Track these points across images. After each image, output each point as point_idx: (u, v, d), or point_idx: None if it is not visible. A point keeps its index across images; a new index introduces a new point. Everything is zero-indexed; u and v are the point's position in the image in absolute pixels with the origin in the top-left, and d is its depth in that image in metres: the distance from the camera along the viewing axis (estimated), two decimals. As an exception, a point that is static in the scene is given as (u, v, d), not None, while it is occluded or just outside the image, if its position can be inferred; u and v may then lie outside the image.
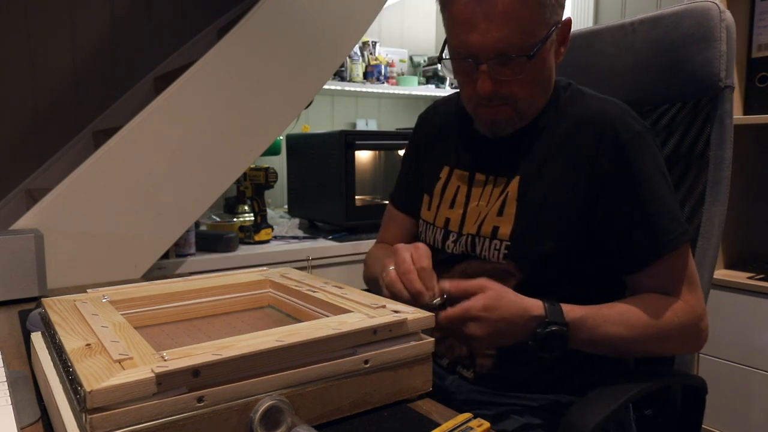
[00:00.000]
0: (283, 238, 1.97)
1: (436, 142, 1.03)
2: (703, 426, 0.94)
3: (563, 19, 0.87)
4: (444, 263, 0.97)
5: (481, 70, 0.83)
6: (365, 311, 0.69)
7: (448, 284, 0.76)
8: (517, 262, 0.88)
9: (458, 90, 0.96)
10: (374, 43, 2.73)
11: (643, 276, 0.84)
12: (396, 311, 0.69)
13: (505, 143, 0.92)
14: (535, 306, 0.78)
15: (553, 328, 0.76)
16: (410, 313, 0.68)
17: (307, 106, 1.99)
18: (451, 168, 1.00)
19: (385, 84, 2.68)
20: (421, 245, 0.80)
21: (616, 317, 0.80)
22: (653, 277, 0.84)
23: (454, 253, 0.95)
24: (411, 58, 2.92)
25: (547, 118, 0.91)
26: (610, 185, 0.84)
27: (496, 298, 0.76)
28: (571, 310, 0.79)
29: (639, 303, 0.82)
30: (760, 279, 1.75)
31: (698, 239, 0.97)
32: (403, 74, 2.83)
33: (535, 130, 0.91)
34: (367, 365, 0.63)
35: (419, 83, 2.80)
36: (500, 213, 0.90)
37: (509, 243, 0.88)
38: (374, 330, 0.64)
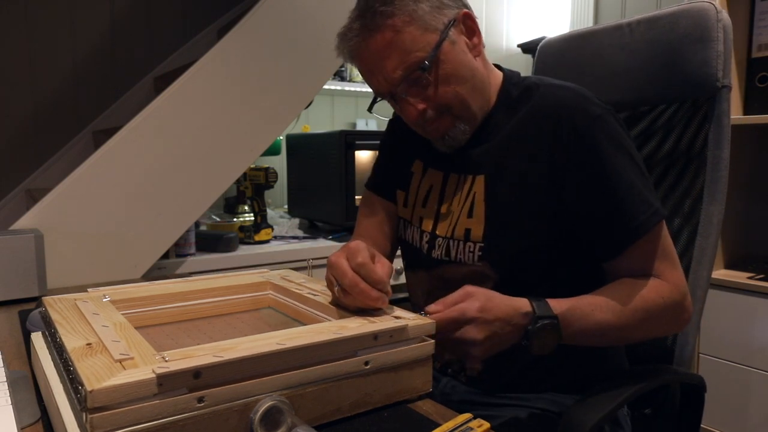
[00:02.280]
0: (283, 238, 1.97)
1: (410, 135, 0.99)
2: (702, 425, 0.94)
3: (461, 12, 0.87)
4: (422, 268, 0.97)
5: (399, 101, 0.88)
6: (366, 316, 0.69)
7: (434, 307, 0.75)
8: (492, 263, 0.87)
9: None
10: (374, 43, 2.72)
11: (620, 261, 0.83)
12: (397, 317, 0.69)
13: (466, 143, 0.92)
14: (522, 303, 0.77)
15: (545, 322, 0.75)
16: (411, 319, 0.68)
17: (307, 106, 1.99)
18: (425, 165, 0.99)
19: (385, 84, 2.68)
20: (352, 245, 0.75)
21: (603, 304, 0.80)
22: (631, 261, 0.83)
23: (432, 256, 0.94)
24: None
25: (501, 114, 0.91)
26: (573, 174, 0.83)
27: (488, 299, 0.75)
28: (557, 303, 0.78)
29: (623, 287, 0.82)
30: (760, 279, 1.76)
31: (696, 238, 0.97)
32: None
33: (492, 128, 0.91)
34: (368, 366, 0.63)
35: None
36: (470, 215, 0.89)
37: (482, 245, 0.87)
38: (375, 335, 0.64)
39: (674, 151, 1.02)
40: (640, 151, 1.06)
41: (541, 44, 1.24)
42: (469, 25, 0.88)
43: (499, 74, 0.95)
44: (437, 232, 0.94)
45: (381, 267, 0.72)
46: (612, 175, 0.81)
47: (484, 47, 0.92)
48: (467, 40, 0.88)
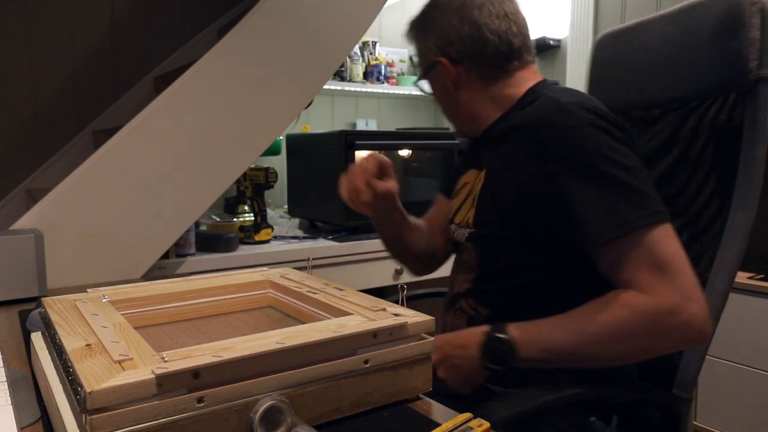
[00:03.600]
0: (283, 238, 1.97)
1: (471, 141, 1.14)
2: (701, 425, 0.93)
3: (438, 59, 1.00)
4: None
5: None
6: (365, 314, 0.69)
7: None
8: (474, 245, 0.97)
9: None
10: (374, 43, 2.73)
11: (604, 266, 0.83)
12: (396, 314, 0.69)
13: (481, 143, 1.06)
14: (479, 328, 0.85)
15: (498, 335, 0.81)
16: (410, 316, 0.68)
17: (307, 106, 1.99)
18: (468, 166, 1.10)
19: (385, 84, 2.68)
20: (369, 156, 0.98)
21: (564, 324, 0.81)
22: (609, 267, 0.82)
23: (456, 239, 1.06)
24: (411, 58, 2.92)
25: (511, 119, 0.98)
26: (543, 185, 0.86)
27: (437, 337, 0.83)
28: (515, 324, 0.83)
29: (590, 306, 0.81)
30: (760, 279, 1.76)
31: (719, 248, 0.90)
32: (403, 74, 2.83)
33: (500, 130, 1.00)
34: (367, 365, 0.63)
35: (419, 83, 2.81)
36: (472, 203, 1.00)
37: (472, 230, 0.98)
38: (374, 333, 0.63)
39: (704, 151, 0.97)
40: (667, 155, 1.01)
41: (597, 38, 1.21)
42: (452, 76, 1.00)
43: (520, 89, 1.00)
44: (455, 221, 1.06)
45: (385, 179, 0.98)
46: (574, 191, 0.82)
47: (483, 78, 1.00)
48: (448, 78, 1.01)
